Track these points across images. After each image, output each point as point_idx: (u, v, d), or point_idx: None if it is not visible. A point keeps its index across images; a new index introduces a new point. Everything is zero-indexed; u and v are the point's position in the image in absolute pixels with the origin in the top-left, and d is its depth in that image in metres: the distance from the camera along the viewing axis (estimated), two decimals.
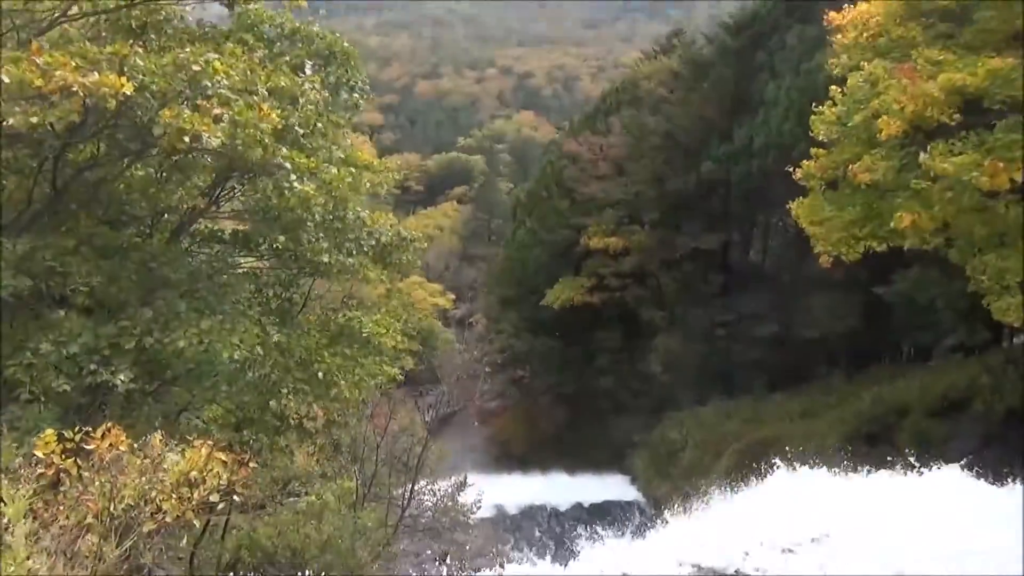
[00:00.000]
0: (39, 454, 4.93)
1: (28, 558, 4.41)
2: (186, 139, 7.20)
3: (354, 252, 10.65)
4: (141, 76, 7.29)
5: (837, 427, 23.64)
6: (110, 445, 5.00)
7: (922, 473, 12.98)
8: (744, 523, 12.50)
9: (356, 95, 11.56)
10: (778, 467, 14.65)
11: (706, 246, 34.83)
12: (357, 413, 16.99)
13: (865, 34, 17.40)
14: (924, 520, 10.72)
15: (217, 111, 7.42)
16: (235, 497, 5.54)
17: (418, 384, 38.90)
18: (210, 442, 5.39)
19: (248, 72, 8.16)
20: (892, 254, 18.19)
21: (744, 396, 32.17)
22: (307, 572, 12.50)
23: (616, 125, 38.84)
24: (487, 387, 40.79)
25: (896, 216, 15.26)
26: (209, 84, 7.59)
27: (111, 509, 4.76)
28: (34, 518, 4.68)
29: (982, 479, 12.13)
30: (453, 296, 62.10)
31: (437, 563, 18.14)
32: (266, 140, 7.78)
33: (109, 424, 5.16)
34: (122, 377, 7.62)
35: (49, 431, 5.01)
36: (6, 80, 6.63)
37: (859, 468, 13.18)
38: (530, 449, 38.08)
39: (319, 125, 9.76)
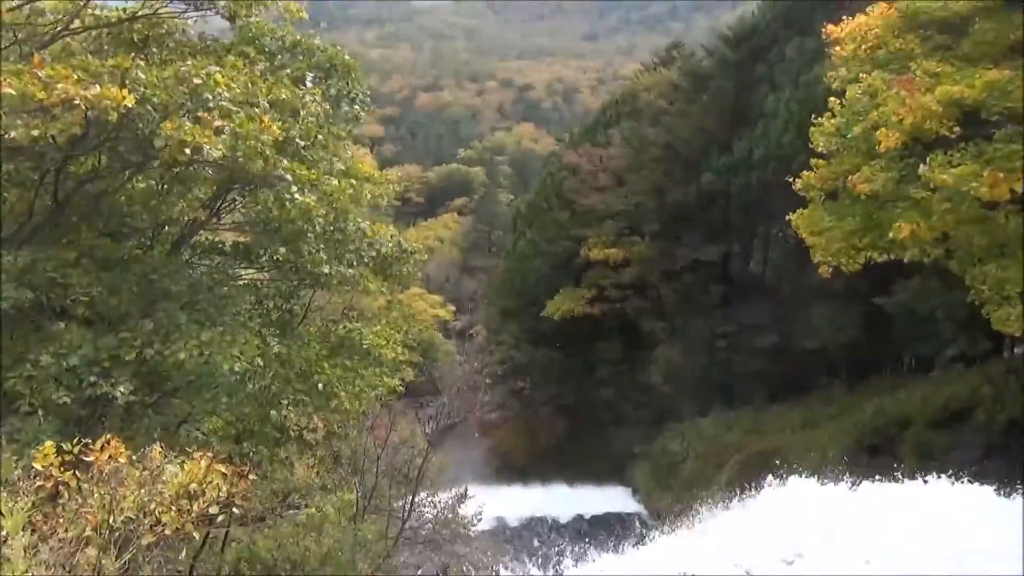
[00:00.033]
0: (38, 466, 4.92)
1: (27, 571, 4.40)
2: (187, 151, 7.22)
3: (354, 263, 10.65)
4: (143, 89, 7.32)
5: (838, 438, 23.59)
6: (109, 457, 4.99)
7: (926, 482, 12.94)
8: (745, 535, 12.44)
9: (357, 107, 11.59)
10: (779, 479, 14.60)
11: (706, 257, 34.88)
12: (357, 425, 16.96)
13: (863, 46, 17.49)
14: (925, 526, 10.69)
15: (218, 123, 7.45)
16: (235, 509, 5.52)
17: (418, 396, 38.82)
18: (210, 454, 5.38)
19: (249, 84, 8.20)
20: (892, 265, 18.22)
21: (745, 407, 32.13)
22: None
23: (616, 137, 38.99)
24: (487, 399, 40.67)
25: (895, 226, 15.28)
26: (210, 96, 7.62)
27: (110, 522, 4.75)
28: (33, 531, 4.67)
29: (985, 486, 12.08)
30: (453, 307, 62.10)
31: (437, 575, 18.06)
32: (267, 152, 7.81)
33: (108, 436, 5.15)
34: (122, 389, 7.61)
35: (48, 443, 5.00)
36: (11, 92, 6.66)
37: (861, 479, 13.12)
38: (530, 461, 38.00)
39: (320, 137, 9.79)
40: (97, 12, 9.87)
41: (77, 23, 9.60)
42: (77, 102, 6.72)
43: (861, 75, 16.90)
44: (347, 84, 11.28)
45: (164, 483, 5.07)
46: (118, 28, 9.82)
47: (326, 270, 10.18)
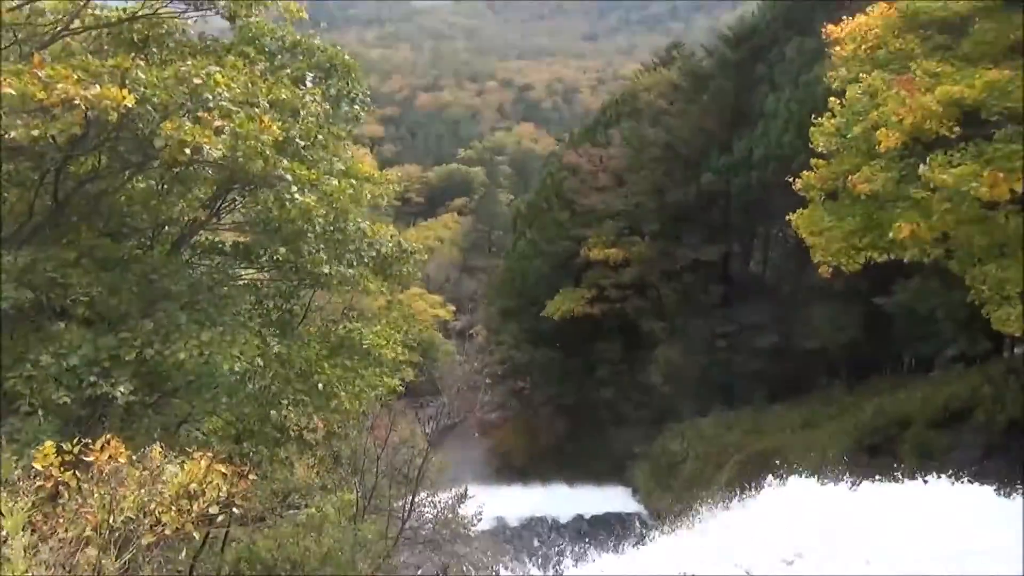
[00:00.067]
0: (38, 466, 4.92)
1: (27, 571, 4.40)
2: (187, 151, 7.22)
3: (354, 263, 10.66)
4: (143, 89, 7.32)
5: (838, 438, 23.60)
6: (109, 457, 4.99)
7: (926, 481, 12.94)
8: (745, 535, 12.44)
9: (357, 107, 11.59)
10: (779, 479, 14.60)
11: (706, 257, 34.88)
12: (357, 425, 16.96)
13: (863, 46, 17.48)
14: (925, 526, 10.69)
15: (218, 123, 7.45)
16: (235, 509, 5.52)
17: (418, 396, 38.81)
18: (210, 454, 5.37)
19: (249, 84, 8.20)
20: (892, 265, 18.22)
21: (745, 407, 32.14)
22: None
23: (616, 137, 38.99)
24: (487, 399, 40.66)
25: (895, 227, 15.28)
26: (210, 96, 7.62)
27: (110, 522, 4.75)
28: (33, 531, 4.67)
29: (986, 487, 12.08)
30: (453, 307, 62.12)
31: (437, 575, 18.06)
32: (267, 152, 7.81)
33: (108, 436, 5.14)
34: (122, 389, 7.61)
35: (48, 443, 5.00)
36: (11, 92, 6.66)
37: (861, 479, 13.13)
38: (530, 461, 38.02)
39: (320, 137, 9.79)
40: (97, 12, 9.88)
41: (77, 23, 9.60)
42: (77, 102, 6.72)
43: (861, 75, 16.90)
44: (347, 84, 11.28)
45: (164, 483, 5.07)
46: (118, 28, 9.82)
47: (326, 270, 10.19)
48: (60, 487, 4.89)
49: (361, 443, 18.36)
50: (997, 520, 10.77)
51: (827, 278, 18.92)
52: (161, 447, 5.41)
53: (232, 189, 9.78)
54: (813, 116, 18.15)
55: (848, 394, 28.94)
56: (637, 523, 26.60)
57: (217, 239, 11.58)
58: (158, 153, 7.51)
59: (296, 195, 8.62)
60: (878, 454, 20.95)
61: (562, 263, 38.54)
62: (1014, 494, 11.84)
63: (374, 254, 10.98)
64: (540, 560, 23.50)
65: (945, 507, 11.58)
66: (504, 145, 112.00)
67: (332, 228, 9.99)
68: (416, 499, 17.58)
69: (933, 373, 28.39)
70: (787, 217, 19.06)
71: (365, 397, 11.30)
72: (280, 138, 8.12)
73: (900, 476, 13.37)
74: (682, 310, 35.30)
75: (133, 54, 8.47)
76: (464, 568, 18.40)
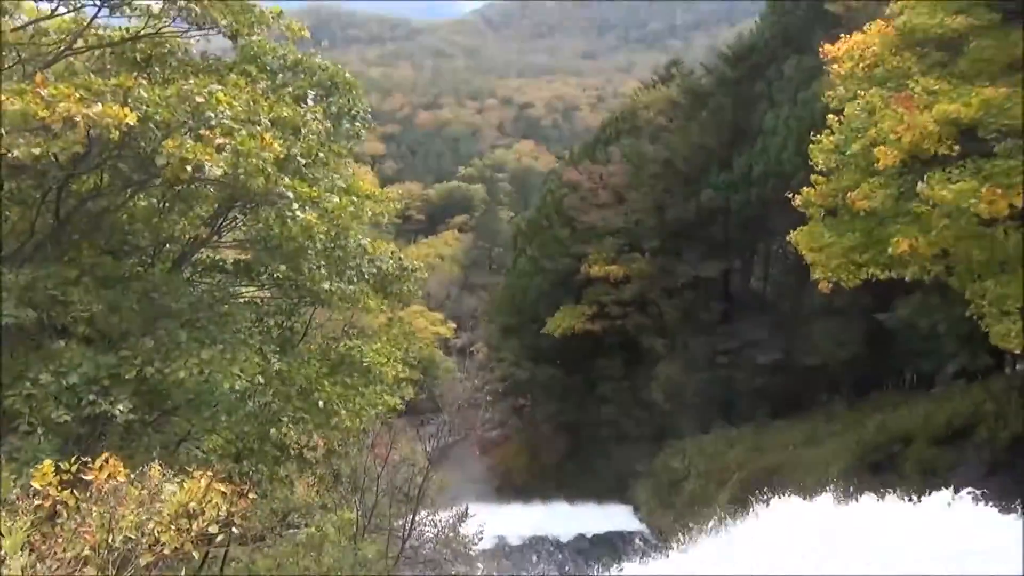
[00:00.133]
0: (37, 485, 4.89)
1: None
2: (189, 169, 7.24)
3: (355, 280, 10.66)
4: (145, 107, 7.35)
5: (840, 455, 23.49)
6: (108, 476, 4.95)
7: (931, 494, 12.84)
8: (747, 553, 12.36)
9: (358, 125, 11.64)
10: (781, 497, 14.51)
11: (707, 274, 34.90)
12: (358, 443, 16.88)
13: (861, 64, 17.57)
14: (927, 539, 10.63)
15: (220, 141, 7.47)
16: (234, 529, 5.48)
17: (419, 413, 38.64)
18: (209, 473, 5.34)
19: (251, 103, 8.24)
20: (893, 281, 18.21)
21: (746, 424, 32.04)
22: None
23: (616, 154, 39.14)
24: (488, 416, 40.53)
25: (893, 241, 15.29)
26: (212, 115, 7.66)
27: (109, 541, 4.71)
28: (31, 551, 4.63)
29: (989, 505, 12.00)
30: (454, 325, 62.12)
31: None
32: (268, 169, 7.83)
33: (107, 455, 5.12)
34: (121, 407, 7.58)
35: (47, 462, 4.97)
36: (13, 110, 6.68)
37: (863, 496, 13.04)
38: (531, 479, 37.84)
39: (321, 155, 9.82)
40: (100, 32, 9.97)
41: (80, 43, 9.67)
42: (79, 120, 6.75)
43: (859, 92, 16.98)
44: (348, 102, 11.34)
45: (163, 502, 5.03)
46: (121, 47, 9.90)
47: (327, 286, 10.20)
48: (59, 506, 4.85)
49: (361, 461, 18.26)
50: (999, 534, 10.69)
51: (827, 294, 18.91)
52: (160, 466, 5.38)
53: (233, 207, 9.80)
54: (812, 133, 18.22)
55: (850, 410, 28.85)
56: (639, 541, 26.45)
57: (218, 257, 11.59)
58: (160, 171, 7.53)
59: (297, 212, 8.63)
60: (880, 471, 20.83)
61: (562, 280, 38.56)
62: (1019, 512, 11.74)
63: (375, 271, 11.00)
64: None
65: (947, 523, 11.50)
66: (504, 162, 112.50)
67: (333, 245, 10.02)
68: (417, 518, 17.47)
69: (935, 389, 28.31)
70: (787, 234, 19.09)
71: (365, 415, 11.26)
72: (281, 156, 8.15)
73: (904, 495, 13.27)
74: (683, 327, 35.28)
75: (136, 73, 8.52)
76: None
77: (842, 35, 18.42)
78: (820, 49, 19.05)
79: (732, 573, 12.08)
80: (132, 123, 6.98)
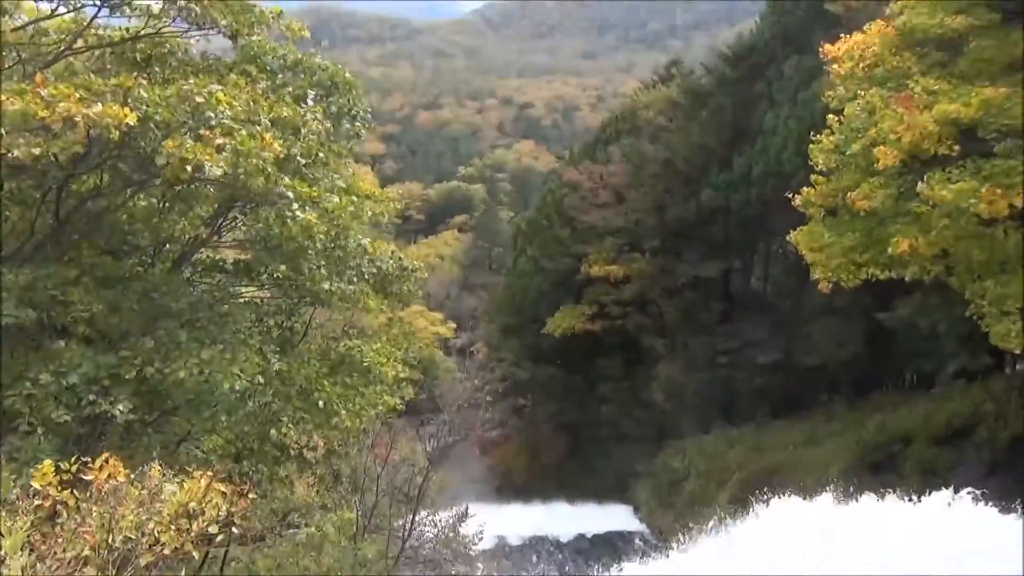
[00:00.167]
0: (37, 485, 4.89)
1: None
2: (189, 169, 7.24)
3: (355, 280, 10.66)
4: (145, 107, 7.35)
5: (840, 455, 23.50)
6: (108, 476, 4.95)
7: (931, 494, 12.85)
8: (747, 553, 12.36)
9: (358, 125, 11.64)
10: (781, 497, 14.51)
11: (707, 274, 34.90)
12: (358, 443, 16.89)
13: (861, 64, 17.56)
14: (927, 540, 10.63)
15: (220, 141, 7.47)
16: (234, 529, 5.48)
17: (419, 413, 38.66)
18: (209, 473, 5.34)
19: (251, 103, 8.24)
20: (893, 281, 18.21)
21: (746, 424, 32.05)
22: None
23: (616, 154, 39.14)
24: (488, 416, 40.52)
25: (893, 241, 15.30)
26: (212, 115, 7.66)
27: (109, 541, 4.71)
28: (31, 551, 4.63)
29: (989, 505, 12.00)
30: (454, 325, 62.14)
31: None
32: (268, 169, 7.83)
33: (107, 455, 5.12)
34: (121, 407, 7.59)
35: (47, 462, 4.97)
36: (13, 110, 6.69)
37: (863, 496, 13.04)
38: (531, 478, 37.85)
39: (321, 155, 9.82)
40: (100, 32, 9.97)
41: (80, 43, 9.67)
42: (79, 120, 6.75)
43: (859, 92, 16.98)
44: (348, 102, 11.34)
45: (163, 502, 5.03)
46: (121, 48, 9.90)
47: (326, 286, 10.20)
48: (59, 506, 4.85)
49: (361, 461, 18.26)
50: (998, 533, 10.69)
51: (828, 294, 18.91)
52: (160, 466, 5.39)
53: (233, 207, 9.81)
54: (812, 133, 18.21)
55: (850, 410, 28.86)
56: (639, 541, 26.45)
57: (218, 257, 11.59)
58: (160, 171, 7.53)
59: (297, 212, 8.64)
60: (880, 471, 20.83)
61: (563, 280, 38.57)
62: (1019, 512, 11.74)
63: (375, 271, 11.00)
64: None
65: (947, 523, 11.50)
66: (504, 162, 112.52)
67: (333, 245, 10.02)
68: (417, 518, 17.47)
69: (935, 389, 28.32)
70: (787, 234, 19.08)
71: (365, 415, 11.26)
72: (281, 156, 8.15)
73: (902, 492, 13.28)
74: (683, 326, 35.29)
75: (136, 73, 8.52)
76: None
77: (842, 35, 18.41)
78: (820, 49, 19.04)
79: (732, 573, 12.09)
80: (132, 123, 6.99)
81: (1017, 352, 16.47)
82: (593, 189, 37.86)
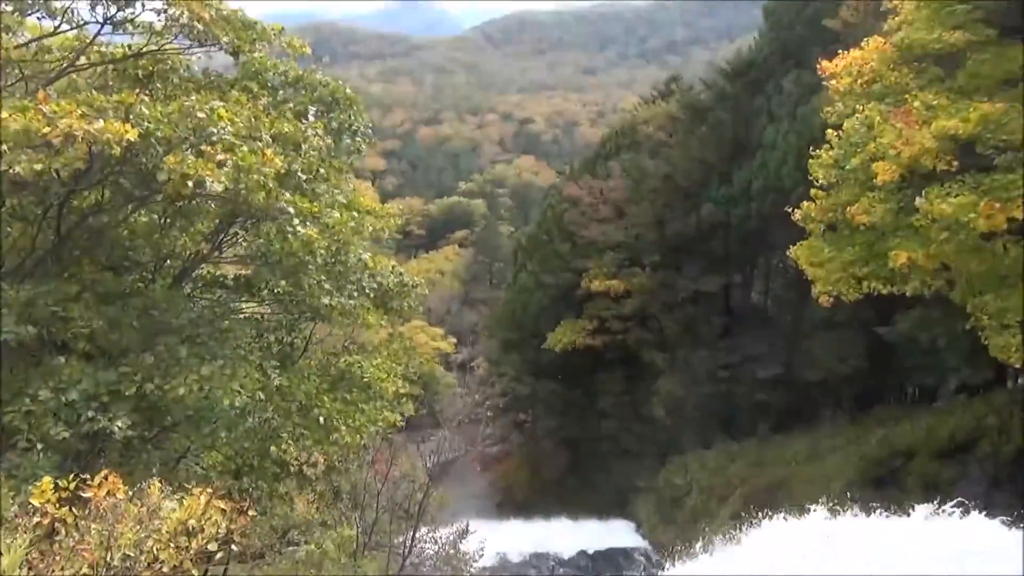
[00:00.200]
0: (35, 503, 4.86)
1: None
2: (190, 184, 7.26)
3: (355, 295, 10.66)
4: (146, 123, 7.39)
5: (843, 470, 23.39)
6: (107, 493, 4.93)
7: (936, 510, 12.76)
8: (751, 569, 12.25)
9: (358, 140, 11.68)
10: (784, 512, 14.41)
11: (707, 288, 34.91)
12: (358, 459, 16.81)
13: (859, 80, 17.65)
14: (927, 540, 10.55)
15: (221, 157, 7.50)
16: (234, 546, 5.44)
17: (419, 429, 38.60)
18: (209, 490, 5.31)
19: (252, 119, 8.28)
20: (894, 295, 18.21)
21: (748, 439, 31.92)
22: None
23: (616, 169, 39.24)
24: (489, 432, 40.44)
25: (892, 254, 15.32)
26: (214, 131, 7.70)
27: (107, 559, 4.68)
28: (30, 569, 4.60)
29: (992, 519, 11.93)
30: (454, 340, 62.05)
31: None
32: (269, 185, 7.85)
33: (107, 471, 5.09)
34: (120, 424, 7.56)
35: (46, 479, 4.95)
36: (15, 127, 6.71)
37: (866, 512, 12.95)
38: (532, 494, 37.67)
39: (322, 170, 9.85)
40: (103, 49, 10.03)
41: (83, 60, 9.73)
42: (80, 136, 6.77)
43: (858, 108, 17.05)
44: (349, 117, 11.38)
45: (162, 519, 5.00)
46: (123, 64, 9.96)
47: (327, 301, 10.19)
48: (57, 524, 4.83)
49: (361, 478, 18.19)
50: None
51: (828, 308, 18.91)
52: (160, 482, 5.36)
53: (234, 222, 9.82)
54: (811, 148, 18.28)
55: (852, 425, 28.76)
56: (642, 558, 26.30)
57: (219, 272, 11.59)
58: (161, 187, 7.55)
59: (298, 227, 8.65)
60: (883, 486, 20.73)
61: (563, 295, 38.55)
62: (1021, 525, 11.67)
63: (375, 286, 11.00)
64: None
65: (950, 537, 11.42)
66: (505, 178, 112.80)
67: (333, 260, 10.03)
68: (417, 535, 17.37)
69: (937, 403, 28.22)
70: (788, 251, 19.10)
71: (365, 431, 11.22)
72: (282, 171, 8.18)
73: (906, 507, 13.19)
74: (684, 341, 35.22)
75: (138, 90, 8.57)
76: None
77: (840, 51, 18.52)
78: (818, 65, 19.15)
79: (732, 573, 11.95)
80: (133, 139, 7.02)
81: (1018, 366, 16.45)
82: (593, 204, 37.93)
